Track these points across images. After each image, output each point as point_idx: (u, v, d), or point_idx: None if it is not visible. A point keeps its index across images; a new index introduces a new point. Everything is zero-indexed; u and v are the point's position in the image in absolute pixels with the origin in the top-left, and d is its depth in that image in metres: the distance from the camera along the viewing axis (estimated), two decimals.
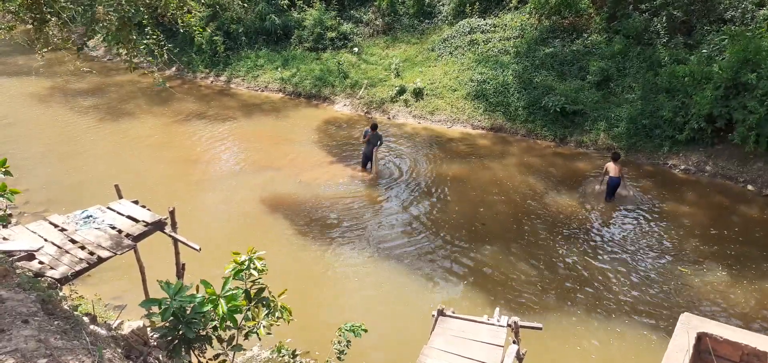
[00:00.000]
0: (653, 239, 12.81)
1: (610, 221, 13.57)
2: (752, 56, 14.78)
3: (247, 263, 5.47)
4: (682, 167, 15.59)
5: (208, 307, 4.88)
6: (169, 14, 9.48)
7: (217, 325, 5.04)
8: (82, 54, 25.91)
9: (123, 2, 8.34)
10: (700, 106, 15.37)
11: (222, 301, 4.93)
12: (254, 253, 5.57)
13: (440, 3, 25.80)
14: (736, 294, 10.86)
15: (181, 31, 25.71)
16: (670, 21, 18.84)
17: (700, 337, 5.02)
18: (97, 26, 8.64)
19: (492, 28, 22.99)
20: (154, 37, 9.53)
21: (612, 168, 14.05)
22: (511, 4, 23.70)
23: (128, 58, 9.53)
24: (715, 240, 12.60)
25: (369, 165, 16.50)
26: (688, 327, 5.07)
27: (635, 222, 13.50)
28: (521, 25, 22.49)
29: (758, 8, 17.29)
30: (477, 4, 24.14)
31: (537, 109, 18.49)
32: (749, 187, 14.63)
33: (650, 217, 13.68)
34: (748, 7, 17.52)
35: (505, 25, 22.89)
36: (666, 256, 12.13)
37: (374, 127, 16.22)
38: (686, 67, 16.51)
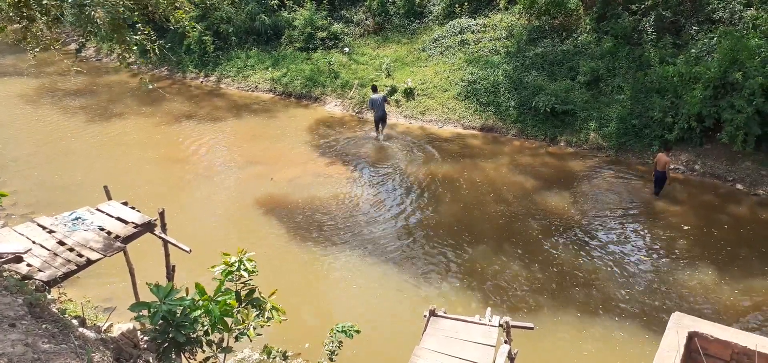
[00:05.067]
0: (644, 238, 12.87)
1: (601, 221, 13.62)
2: (740, 56, 14.88)
3: (237, 264, 5.43)
4: (672, 166, 15.69)
5: (200, 313, 4.84)
6: (160, 12, 9.46)
7: (208, 330, 5.01)
8: (71, 52, 25.76)
9: (117, 4, 8.31)
10: (689, 106, 15.46)
11: (213, 306, 4.89)
12: (244, 253, 5.53)
13: (430, 3, 25.80)
14: (726, 293, 10.93)
15: (172, 28, 25.59)
16: (659, 21, 18.93)
17: (691, 337, 5.03)
18: (94, 27, 8.62)
19: (482, 29, 23.03)
20: (145, 33, 9.49)
21: (659, 159, 13.99)
22: (500, 5, 23.75)
23: (121, 57, 9.52)
24: (706, 239, 12.68)
25: (380, 127, 18.48)
26: (679, 326, 5.09)
27: (626, 221, 13.56)
28: (511, 25, 22.55)
29: (746, 8, 17.41)
30: (467, 4, 24.17)
31: (527, 109, 18.54)
32: (738, 185, 14.73)
33: (640, 217, 13.75)
34: (736, 7, 17.64)
35: (495, 25, 22.93)
36: (656, 256, 12.20)
37: (374, 89, 18.48)
38: (675, 67, 16.59)
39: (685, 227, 13.14)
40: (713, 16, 18.22)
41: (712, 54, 16.37)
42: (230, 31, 26.11)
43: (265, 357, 6.82)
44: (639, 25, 19.48)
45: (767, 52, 14.79)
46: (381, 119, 18.38)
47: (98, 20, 8.51)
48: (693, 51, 17.08)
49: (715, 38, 16.66)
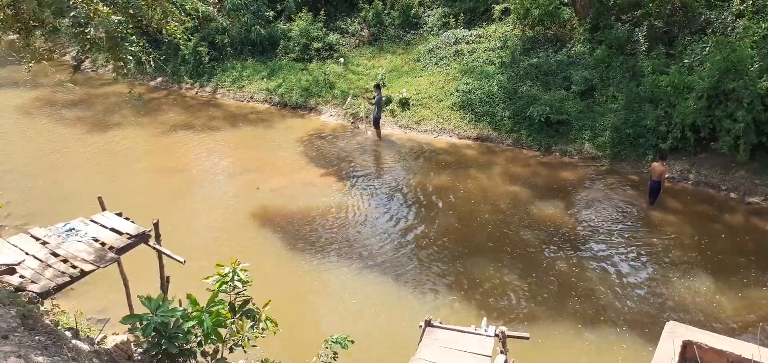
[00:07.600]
0: (638, 248, 12.89)
1: (596, 231, 13.64)
2: (733, 66, 14.92)
3: (231, 275, 5.42)
4: (666, 176, 15.73)
5: (192, 324, 4.82)
6: (153, 24, 9.50)
7: (202, 340, 4.98)
8: (68, 63, 25.72)
9: (113, 23, 8.34)
10: (683, 116, 15.51)
11: (206, 316, 4.87)
12: (238, 264, 5.52)
13: (426, 14, 25.93)
14: (720, 302, 10.95)
15: (166, 40, 25.61)
16: (651, 31, 19.05)
17: (686, 345, 5.04)
18: (94, 46, 8.67)
19: (477, 39, 23.12)
20: (139, 45, 9.51)
21: (654, 169, 14.08)
22: (495, 16, 23.87)
23: (117, 70, 9.56)
24: (700, 248, 12.70)
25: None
26: (674, 335, 5.10)
27: (620, 231, 13.58)
28: (505, 36, 22.65)
29: (738, 19, 17.54)
30: (461, 15, 24.29)
31: (522, 119, 18.58)
32: (732, 195, 14.77)
33: (635, 226, 13.78)
34: (728, 18, 17.77)
35: (490, 36, 23.03)
36: (651, 265, 12.22)
37: (378, 87, 19.32)
38: (668, 76, 16.66)
39: (680, 236, 13.16)
40: (706, 26, 18.35)
41: (704, 63, 16.44)
42: (226, 41, 26.11)
43: None
44: (632, 35, 19.60)
45: (761, 61, 14.87)
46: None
47: (94, 39, 8.54)
48: (685, 60, 17.17)
49: (707, 48, 16.73)
